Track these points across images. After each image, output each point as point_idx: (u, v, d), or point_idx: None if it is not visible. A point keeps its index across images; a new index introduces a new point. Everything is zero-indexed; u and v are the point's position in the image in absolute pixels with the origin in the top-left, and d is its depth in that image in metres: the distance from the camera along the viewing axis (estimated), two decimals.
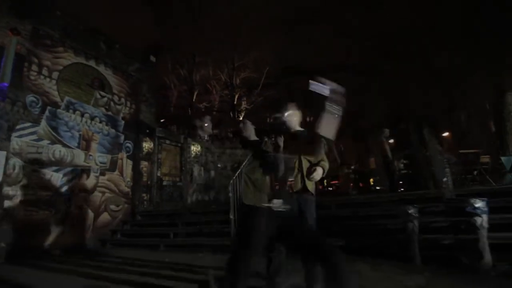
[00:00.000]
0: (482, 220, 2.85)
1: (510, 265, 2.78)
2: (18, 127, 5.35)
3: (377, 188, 12.08)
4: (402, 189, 6.78)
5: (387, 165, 6.86)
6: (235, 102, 14.14)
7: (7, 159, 5.09)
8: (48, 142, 5.83)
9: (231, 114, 14.31)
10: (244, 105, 14.52)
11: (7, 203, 4.99)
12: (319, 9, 12.38)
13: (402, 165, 7.67)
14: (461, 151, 7.79)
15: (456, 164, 6.95)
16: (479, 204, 2.88)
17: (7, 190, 5.03)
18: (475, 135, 10.56)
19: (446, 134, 12.96)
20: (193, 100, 13.87)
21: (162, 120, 10.71)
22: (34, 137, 5.62)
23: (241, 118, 14.82)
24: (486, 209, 2.90)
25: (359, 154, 23.02)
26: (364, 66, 13.75)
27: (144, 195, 7.74)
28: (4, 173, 5.01)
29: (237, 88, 14.69)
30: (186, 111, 13.76)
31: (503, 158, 6.76)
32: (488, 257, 2.84)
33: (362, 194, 8.72)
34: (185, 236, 5.81)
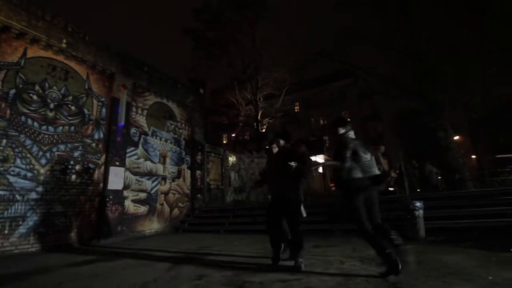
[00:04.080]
0: (419, 213, 5.24)
1: (435, 238, 5.15)
2: (128, 150, 8.07)
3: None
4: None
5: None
6: (258, 117, 16.66)
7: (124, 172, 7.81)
8: (143, 159, 8.55)
9: (255, 127, 16.86)
10: (266, 120, 17.02)
11: (125, 202, 7.71)
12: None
13: (394, 174, 10.01)
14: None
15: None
16: (417, 204, 5.27)
17: (125, 193, 7.75)
18: None
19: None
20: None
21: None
22: (135, 156, 8.34)
23: (263, 131, 17.35)
24: (422, 206, 5.29)
25: None
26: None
27: (198, 195, 10.38)
28: (124, 182, 7.73)
29: (260, 104, 17.20)
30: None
31: None
32: (422, 233, 5.23)
33: None
34: (235, 225, 8.36)
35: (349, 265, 3.38)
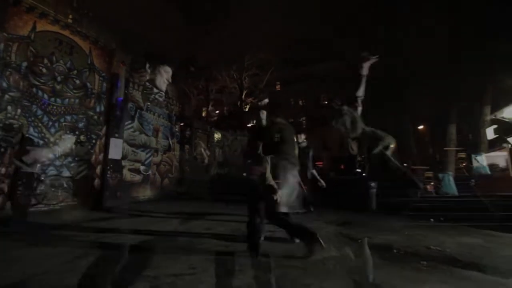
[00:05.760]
0: (372, 191, 6.71)
1: (385, 210, 6.67)
2: (126, 123, 8.71)
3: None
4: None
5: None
6: (243, 97, 17.44)
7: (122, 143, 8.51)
8: (138, 132, 9.24)
9: (239, 105, 17.68)
10: (250, 99, 17.85)
11: (123, 171, 8.50)
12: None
13: (359, 158, 11.63)
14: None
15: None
16: (372, 184, 6.72)
17: (123, 162, 8.51)
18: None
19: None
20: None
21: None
22: (132, 130, 9.01)
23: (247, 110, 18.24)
24: (376, 186, 6.76)
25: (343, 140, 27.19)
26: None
27: (186, 167, 11.33)
28: (122, 152, 8.45)
29: (244, 84, 17.91)
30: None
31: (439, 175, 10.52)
32: (374, 205, 6.74)
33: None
34: (221, 195, 9.51)
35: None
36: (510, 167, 9.66)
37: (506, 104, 11.09)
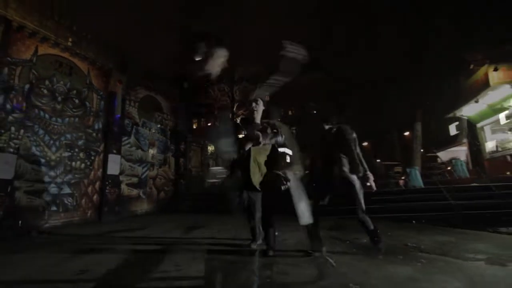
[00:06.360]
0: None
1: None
2: (123, 139, 9.00)
3: None
4: None
5: None
6: (234, 109, 17.88)
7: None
8: (135, 147, 9.53)
9: (230, 118, 18.10)
10: (241, 112, 18.30)
11: (121, 186, 8.73)
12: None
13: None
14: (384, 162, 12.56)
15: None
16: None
17: (120, 177, 8.75)
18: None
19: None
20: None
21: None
22: (129, 145, 9.29)
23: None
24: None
25: None
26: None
27: (181, 180, 11.59)
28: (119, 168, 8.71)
29: (235, 97, 18.39)
30: None
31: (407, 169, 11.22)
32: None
33: None
34: (215, 206, 9.79)
35: None
36: (470, 161, 10.35)
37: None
